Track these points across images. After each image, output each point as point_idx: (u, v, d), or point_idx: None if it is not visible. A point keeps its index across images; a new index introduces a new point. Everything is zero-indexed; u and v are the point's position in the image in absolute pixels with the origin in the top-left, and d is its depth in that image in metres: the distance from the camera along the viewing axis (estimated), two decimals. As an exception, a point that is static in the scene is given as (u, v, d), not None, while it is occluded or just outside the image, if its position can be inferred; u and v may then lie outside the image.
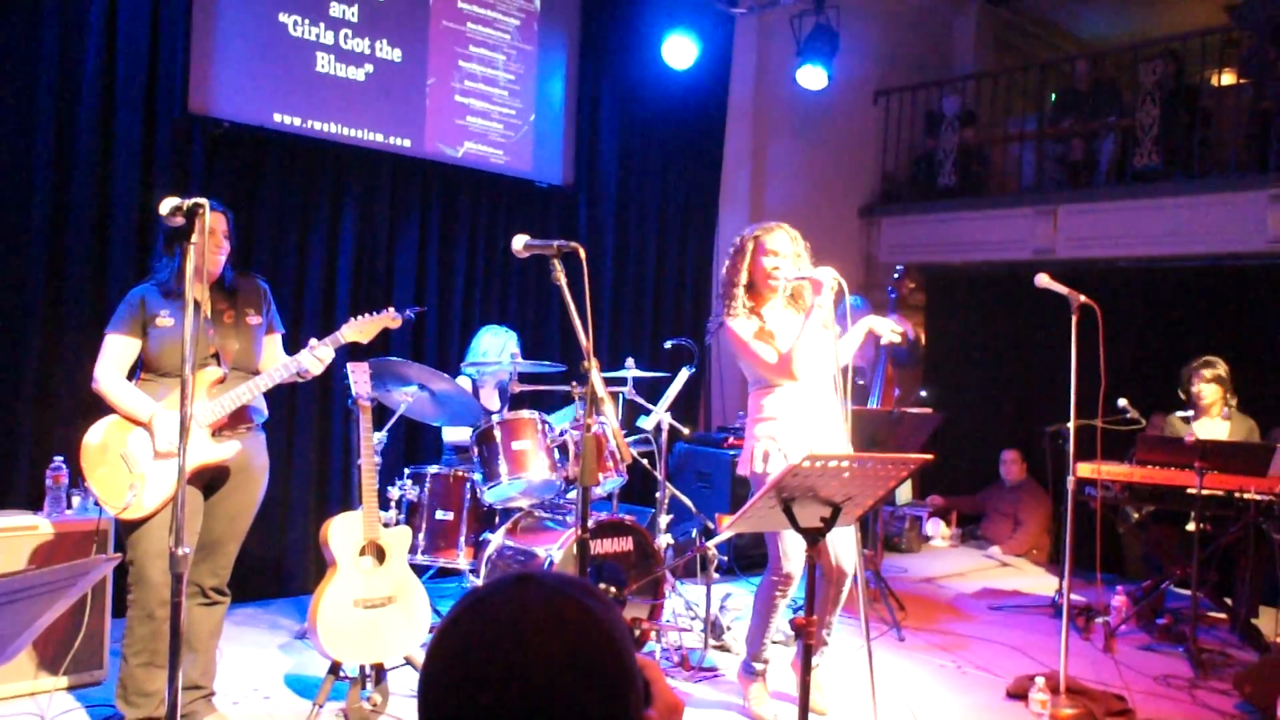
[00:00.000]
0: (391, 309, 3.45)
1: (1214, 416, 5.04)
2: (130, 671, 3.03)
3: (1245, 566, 4.72)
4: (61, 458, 3.70)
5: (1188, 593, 4.62)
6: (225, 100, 4.69)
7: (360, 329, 3.36)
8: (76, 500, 3.69)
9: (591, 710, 0.85)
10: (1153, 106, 6.75)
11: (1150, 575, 5.29)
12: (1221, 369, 4.99)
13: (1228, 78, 7.16)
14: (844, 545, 3.53)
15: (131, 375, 3.12)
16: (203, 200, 2.31)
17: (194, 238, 2.29)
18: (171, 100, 4.53)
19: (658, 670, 0.96)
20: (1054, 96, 7.96)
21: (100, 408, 3.11)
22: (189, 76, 4.56)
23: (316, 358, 3.21)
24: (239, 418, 3.16)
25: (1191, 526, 4.75)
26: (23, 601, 1.37)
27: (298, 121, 4.92)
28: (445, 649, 0.90)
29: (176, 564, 2.25)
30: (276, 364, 3.23)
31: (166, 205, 2.32)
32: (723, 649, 4.29)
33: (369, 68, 5.17)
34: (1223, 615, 5.04)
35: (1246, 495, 4.47)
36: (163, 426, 2.97)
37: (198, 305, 3.08)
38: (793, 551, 3.53)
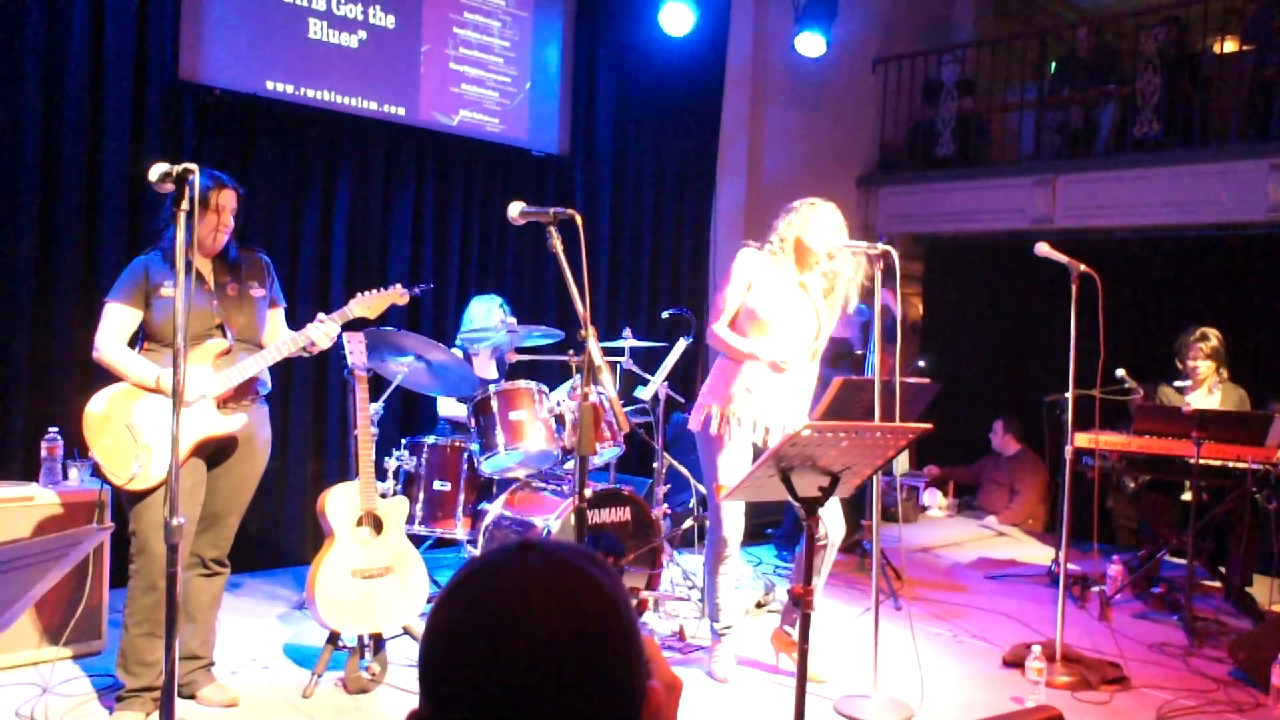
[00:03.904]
0: (399, 285, 3.43)
1: (1206, 388, 5.05)
2: (131, 641, 3.03)
3: (1240, 535, 4.74)
4: (56, 429, 3.68)
5: (1183, 561, 4.64)
6: (216, 67, 4.63)
7: (368, 304, 3.34)
8: (74, 472, 3.67)
9: (597, 677, 0.84)
10: (1153, 74, 6.69)
11: (1145, 544, 5.32)
12: (1215, 341, 4.98)
13: (1229, 45, 7.10)
14: (831, 515, 3.55)
15: (134, 346, 3.09)
16: (192, 166, 2.28)
17: (184, 204, 2.26)
18: (162, 67, 4.47)
19: (657, 648, 0.95)
20: (1054, 65, 7.89)
21: (98, 377, 3.08)
22: (179, 43, 4.49)
23: (325, 332, 3.20)
24: (244, 390, 3.15)
25: (1187, 496, 4.76)
26: (14, 571, 1.35)
27: (290, 89, 4.86)
28: (448, 616, 0.88)
29: (171, 534, 2.24)
30: (283, 337, 3.21)
31: (155, 171, 2.30)
32: (720, 618, 4.30)
33: (362, 34, 5.10)
34: (1217, 584, 5.07)
35: (1242, 465, 4.48)
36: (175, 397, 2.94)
37: (202, 277, 3.09)
38: (726, 519, 3.61)
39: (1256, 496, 4.56)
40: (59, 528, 3.47)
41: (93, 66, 4.30)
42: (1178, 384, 5.15)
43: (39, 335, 4.22)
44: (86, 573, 3.47)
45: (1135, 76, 6.87)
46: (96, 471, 3.07)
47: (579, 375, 4.18)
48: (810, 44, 6.76)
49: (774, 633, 3.84)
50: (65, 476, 3.66)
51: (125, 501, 3.03)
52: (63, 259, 4.27)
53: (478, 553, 4.07)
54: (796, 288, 3.61)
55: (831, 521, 3.56)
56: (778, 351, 3.50)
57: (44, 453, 3.64)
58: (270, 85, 4.80)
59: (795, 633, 3.67)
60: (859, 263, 3.64)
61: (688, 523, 4.79)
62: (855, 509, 5.32)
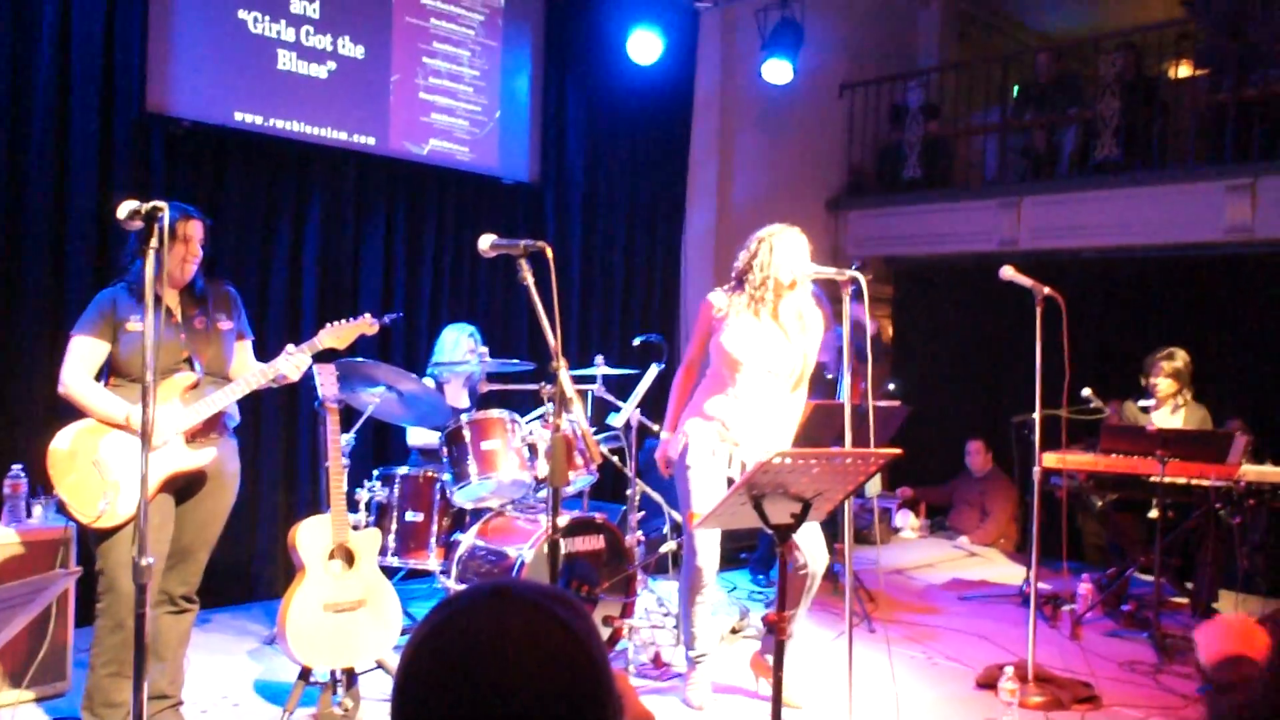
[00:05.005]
0: (368, 315, 3.43)
1: (1168, 407, 5.14)
2: (98, 682, 2.98)
3: (1206, 552, 4.82)
4: (20, 465, 3.63)
5: (1151, 579, 4.70)
6: (185, 99, 4.61)
7: (337, 335, 3.33)
8: (38, 510, 3.61)
9: None
10: (1113, 99, 6.84)
11: (1114, 563, 5.38)
12: (1180, 362, 5.07)
13: (1185, 70, 7.27)
14: (812, 544, 3.54)
15: (99, 380, 3.06)
16: (161, 204, 2.27)
17: (153, 241, 2.25)
18: (129, 99, 4.45)
19: (628, 683, 0.96)
20: (1016, 89, 8.04)
21: (63, 413, 3.04)
22: (146, 75, 4.47)
23: (294, 364, 3.18)
24: (212, 423, 3.12)
25: (1154, 514, 4.83)
26: (-20, 620, 1.34)
27: (260, 120, 4.86)
28: (420, 665, 0.89)
29: (140, 574, 2.21)
30: (251, 370, 3.20)
31: (124, 209, 2.29)
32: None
33: (331, 65, 5.11)
34: (1185, 600, 5.14)
35: (1206, 482, 4.56)
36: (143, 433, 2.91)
37: (170, 310, 3.07)
38: (701, 547, 3.60)
39: (1220, 513, 4.63)
40: (23, 567, 3.41)
41: (59, 99, 4.27)
42: (1142, 403, 5.23)
43: (3, 372, 4.16)
44: (51, 612, 3.41)
45: (1095, 101, 7.01)
46: (62, 509, 3.03)
47: (550, 404, 4.19)
48: (777, 71, 6.85)
49: (753, 657, 3.85)
50: (29, 515, 3.60)
51: (92, 539, 2.99)
52: (28, 293, 4.22)
53: (452, 583, 4.04)
54: (770, 323, 3.60)
55: (813, 551, 3.55)
56: (670, 451, 3.74)
57: (7, 490, 3.58)
58: (239, 116, 4.79)
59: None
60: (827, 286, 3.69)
61: (665, 547, 4.78)
62: (828, 532, 5.34)
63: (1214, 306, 6.61)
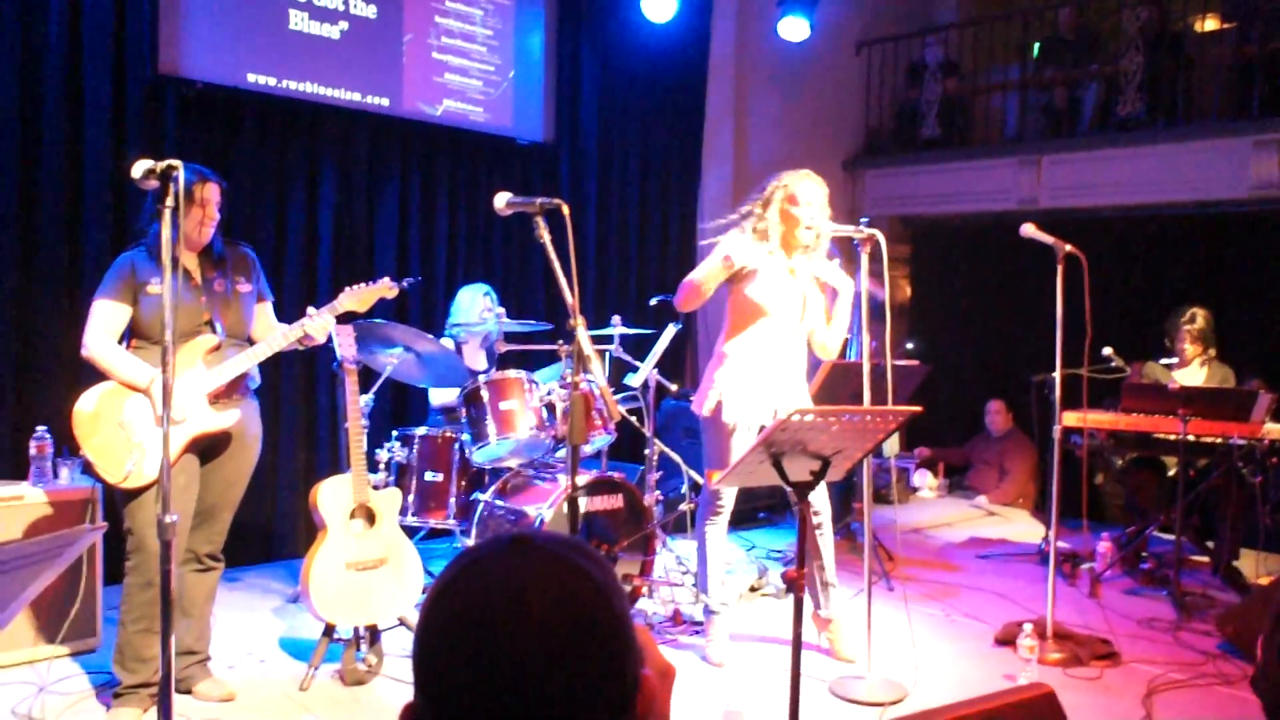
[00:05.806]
0: (388, 279, 3.45)
1: (1192, 365, 5.10)
2: (128, 638, 3.03)
3: (1226, 510, 4.79)
4: (45, 427, 3.67)
5: (1171, 537, 4.69)
6: (197, 60, 4.59)
7: (357, 298, 3.34)
8: (64, 471, 3.66)
9: (592, 670, 0.85)
10: (1136, 54, 6.70)
11: (1134, 521, 5.36)
12: (1202, 321, 5.03)
13: (1211, 23, 7.11)
14: (815, 494, 3.57)
15: (121, 343, 3.08)
16: (176, 162, 2.26)
17: (169, 201, 2.25)
18: (141, 61, 4.43)
19: (649, 636, 0.95)
20: (1037, 46, 7.89)
21: (86, 375, 3.07)
22: (158, 36, 4.45)
23: (320, 325, 3.20)
24: (235, 385, 3.14)
25: (1173, 473, 4.80)
26: (10, 572, 1.36)
27: (272, 81, 4.83)
28: (442, 613, 0.89)
29: (164, 531, 2.24)
30: (274, 332, 3.21)
31: (139, 168, 2.28)
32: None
33: (344, 25, 5.07)
34: (1205, 559, 5.12)
35: (1228, 440, 4.52)
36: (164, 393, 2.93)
37: (188, 273, 3.08)
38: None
39: (1242, 471, 4.60)
40: (50, 527, 3.47)
41: (71, 63, 4.26)
42: (1164, 361, 5.19)
43: (24, 333, 4.20)
44: (81, 570, 3.47)
45: (1118, 56, 6.88)
46: (88, 470, 3.06)
47: (566, 361, 4.19)
48: (794, 28, 6.75)
49: (813, 614, 3.85)
50: (55, 475, 3.65)
51: (119, 499, 3.03)
52: (46, 256, 4.24)
53: (471, 543, 4.08)
54: (786, 273, 3.65)
55: (817, 499, 3.60)
56: (713, 263, 3.54)
57: (33, 451, 3.62)
58: (252, 78, 4.76)
59: (828, 613, 3.72)
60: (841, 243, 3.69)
61: (683, 506, 4.81)
62: (846, 491, 5.35)
63: (1238, 265, 6.52)
